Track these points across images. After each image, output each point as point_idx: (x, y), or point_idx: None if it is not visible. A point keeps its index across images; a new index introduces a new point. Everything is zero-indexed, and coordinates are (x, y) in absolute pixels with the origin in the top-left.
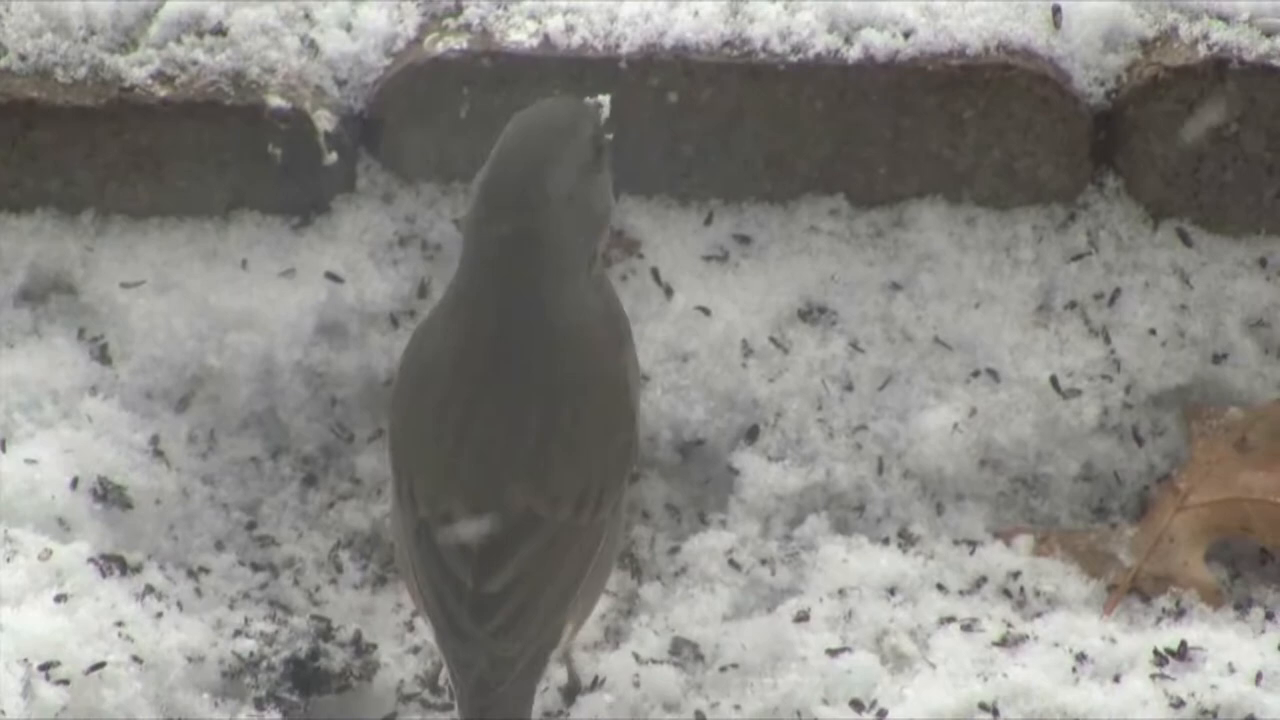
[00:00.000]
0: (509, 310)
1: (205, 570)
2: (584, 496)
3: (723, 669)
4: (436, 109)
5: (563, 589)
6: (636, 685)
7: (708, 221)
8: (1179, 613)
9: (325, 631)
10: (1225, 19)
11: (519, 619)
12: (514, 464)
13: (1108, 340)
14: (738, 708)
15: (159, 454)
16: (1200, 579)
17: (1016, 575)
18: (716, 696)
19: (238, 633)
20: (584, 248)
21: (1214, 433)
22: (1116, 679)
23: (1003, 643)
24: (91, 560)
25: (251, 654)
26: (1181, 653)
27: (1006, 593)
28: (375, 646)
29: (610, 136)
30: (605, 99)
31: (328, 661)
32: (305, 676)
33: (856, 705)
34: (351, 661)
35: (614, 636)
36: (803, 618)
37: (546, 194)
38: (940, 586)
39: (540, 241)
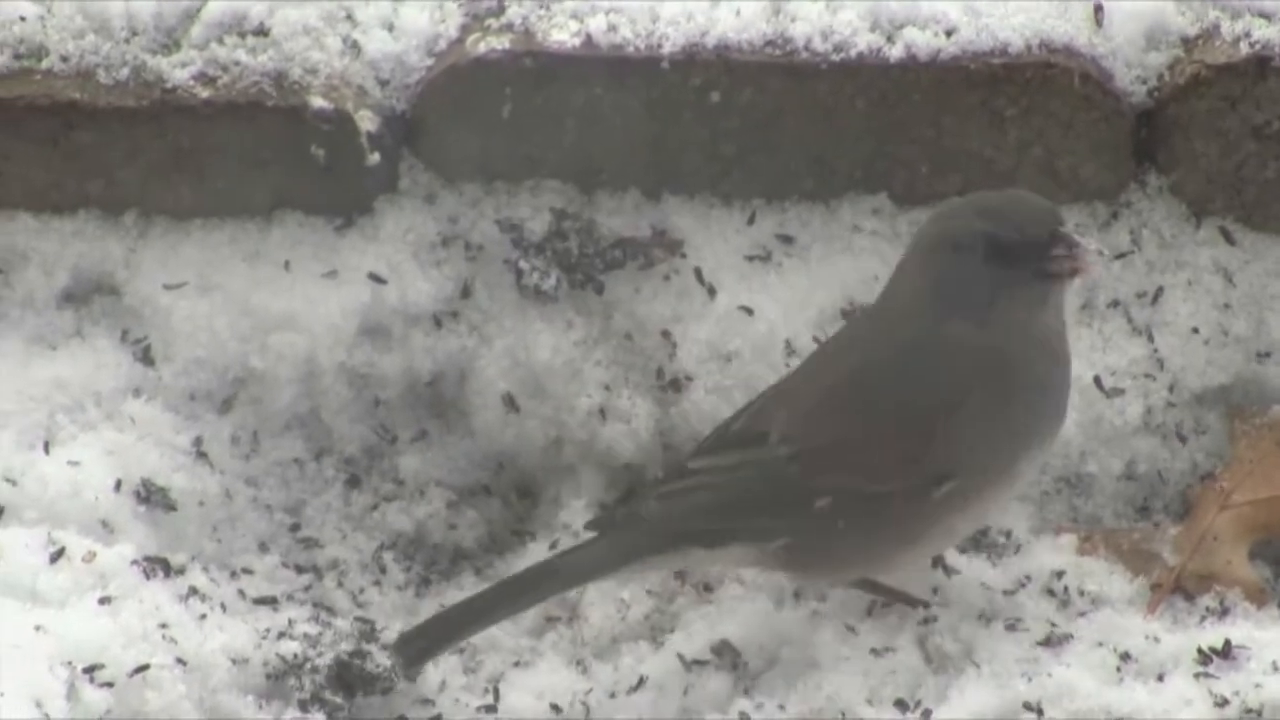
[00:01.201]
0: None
1: (249, 572)
2: (808, 451)
3: (767, 670)
4: (479, 109)
5: (731, 506)
6: (682, 685)
7: (750, 221)
8: (1223, 611)
9: (368, 633)
10: (1267, 16)
11: (681, 497)
12: (791, 393)
13: (1151, 339)
14: (782, 708)
15: (202, 455)
16: (1244, 578)
17: (1060, 574)
18: (761, 697)
19: (281, 634)
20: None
21: (1257, 431)
22: (1160, 678)
23: (1046, 642)
24: (135, 562)
25: (295, 656)
26: (1225, 651)
27: (1050, 592)
28: None
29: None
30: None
31: (371, 663)
32: (349, 678)
33: (901, 705)
34: (395, 662)
35: (658, 636)
36: (847, 617)
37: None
38: (984, 585)
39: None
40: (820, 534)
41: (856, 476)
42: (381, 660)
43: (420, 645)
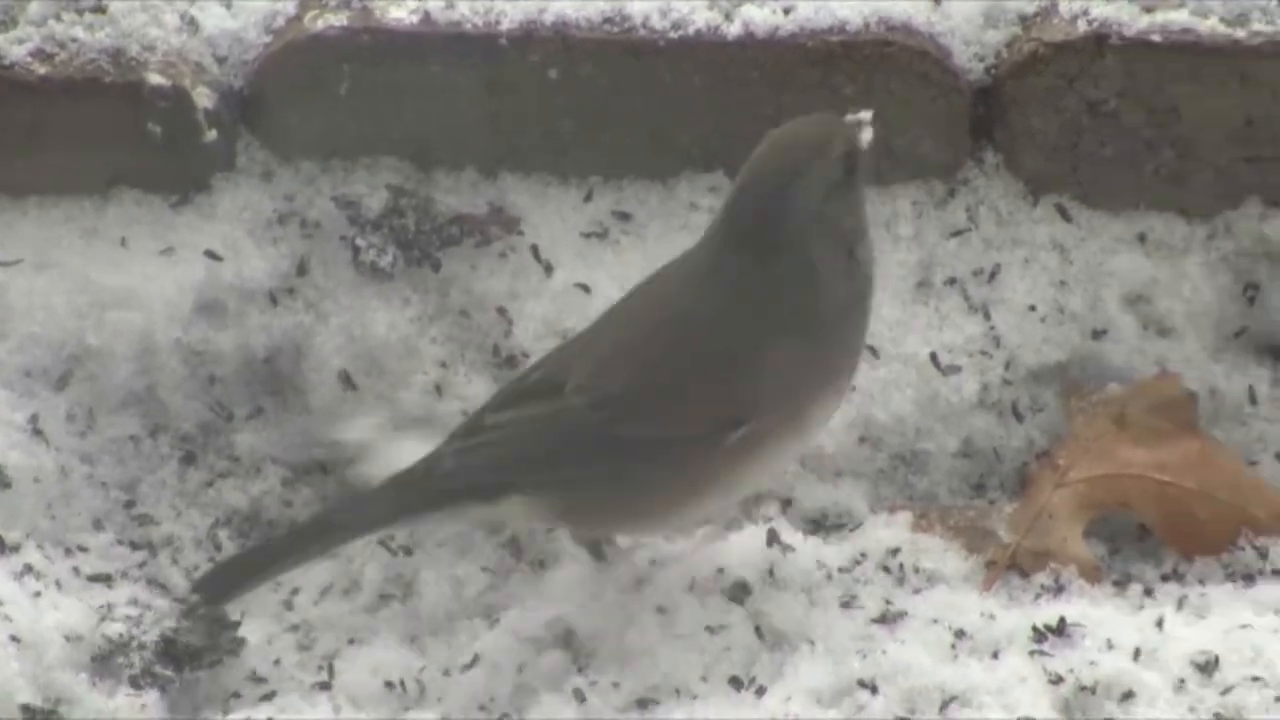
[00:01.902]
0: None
1: (84, 549)
2: (609, 400)
3: (601, 647)
4: (316, 86)
5: (525, 455)
6: (517, 663)
7: (587, 198)
8: (1058, 589)
9: (187, 610)
10: None
11: (476, 451)
12: (590, 344)
13: (987, 316)
14: (616, 685)
15: (38, 433)
16: (1079, 555)
17: (896, 552)
18: (595, 675)
19: (109, 613)
20: (834, 263)
21: (1093, 409)
22: (995, 655)
23: (882, 619)
24: None
25: (121, 635)
26: (1060, 629)
27: (886, 569)
28: (239, 623)
29: (866, 149)
30: (867, 115)
31: (193, 638)
32: (175, 653)
33: (735, 683)
34: (217, 637)
35: (493, 613)
36: (683, 595)
37: (788, 212)
38: (819, 563)
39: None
40: (608, 484)
41: (653, 424)
42: (200, 634)
43: (217, 587)
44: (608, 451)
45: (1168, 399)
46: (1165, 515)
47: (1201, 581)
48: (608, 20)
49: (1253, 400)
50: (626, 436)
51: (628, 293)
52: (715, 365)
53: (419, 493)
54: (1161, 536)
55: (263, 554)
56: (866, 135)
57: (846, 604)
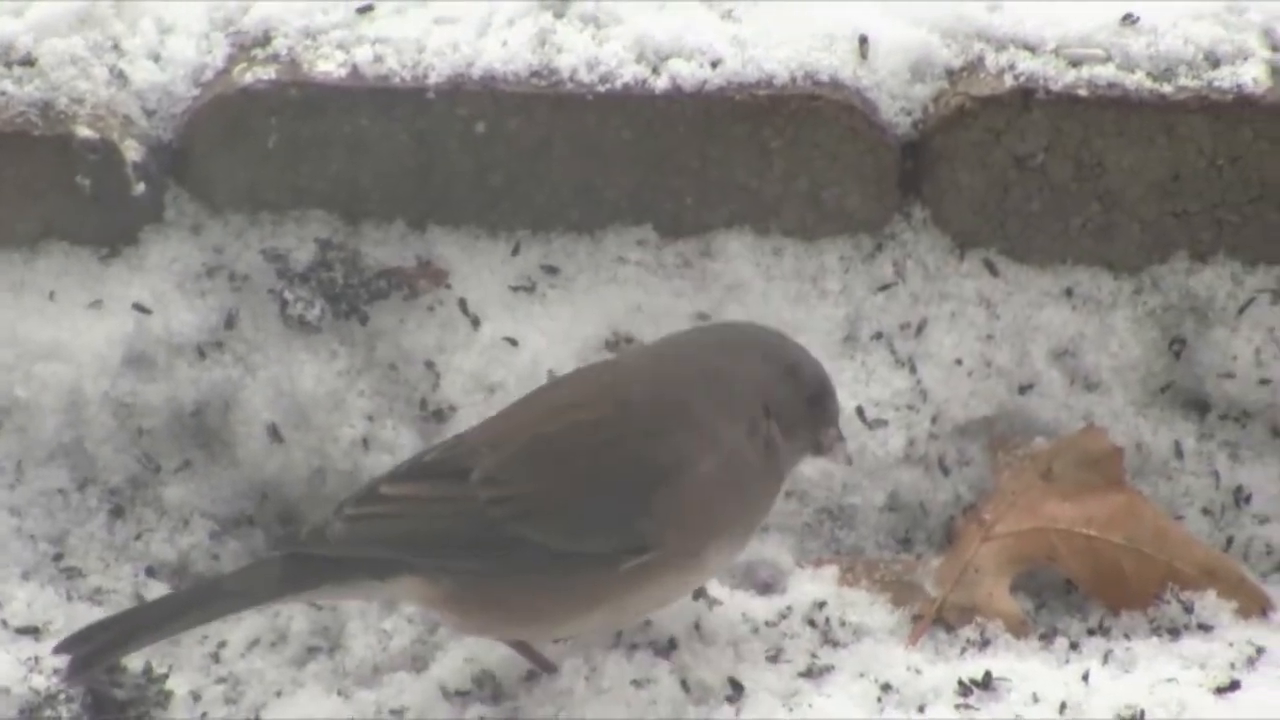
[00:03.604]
0: (657, 389)
1: (11, 601)
2: (513, 497)
3: (527, 699)
4: (244, 139)
5: (419, 537)
6: (444, 715)
7: (515, 251)
8: (984, 643)
9: (114, 664)
10: (1031, 49)
11: (368, 523)
12: (502, 433)
13: (914, 370)
14: None
15: None
16: (1005, 609)
17: (822, 605)
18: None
19: (36, 666)
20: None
21: (1019, 463)
22: (921, 709)
23: (808, 673)
24: None
25: (49, 688)
26: (986, 683)
27: (812, 623)
28: (166, 676)
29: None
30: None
31: (119, 691)
32: (103, 706)
33: None
34: (144, 690)
35: (420, 665)
36: (609, 649)
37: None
38: (746, 616)
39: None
40: (498, 583)
41: (554, 532)
42: (128, 688)
43: (85, 652)
44: (502, 549)
45: (1094, 453)
46: (1091, 569)
47: (1127, 635)
48: (535, 74)
49: (1179, 454)
50: (525, 538)
51: (556, 380)
52: (627, 483)
53: (307, 563)
54: (1087, 591)
55: (139, 618)
56: (839, 457)
57: (773, 658)
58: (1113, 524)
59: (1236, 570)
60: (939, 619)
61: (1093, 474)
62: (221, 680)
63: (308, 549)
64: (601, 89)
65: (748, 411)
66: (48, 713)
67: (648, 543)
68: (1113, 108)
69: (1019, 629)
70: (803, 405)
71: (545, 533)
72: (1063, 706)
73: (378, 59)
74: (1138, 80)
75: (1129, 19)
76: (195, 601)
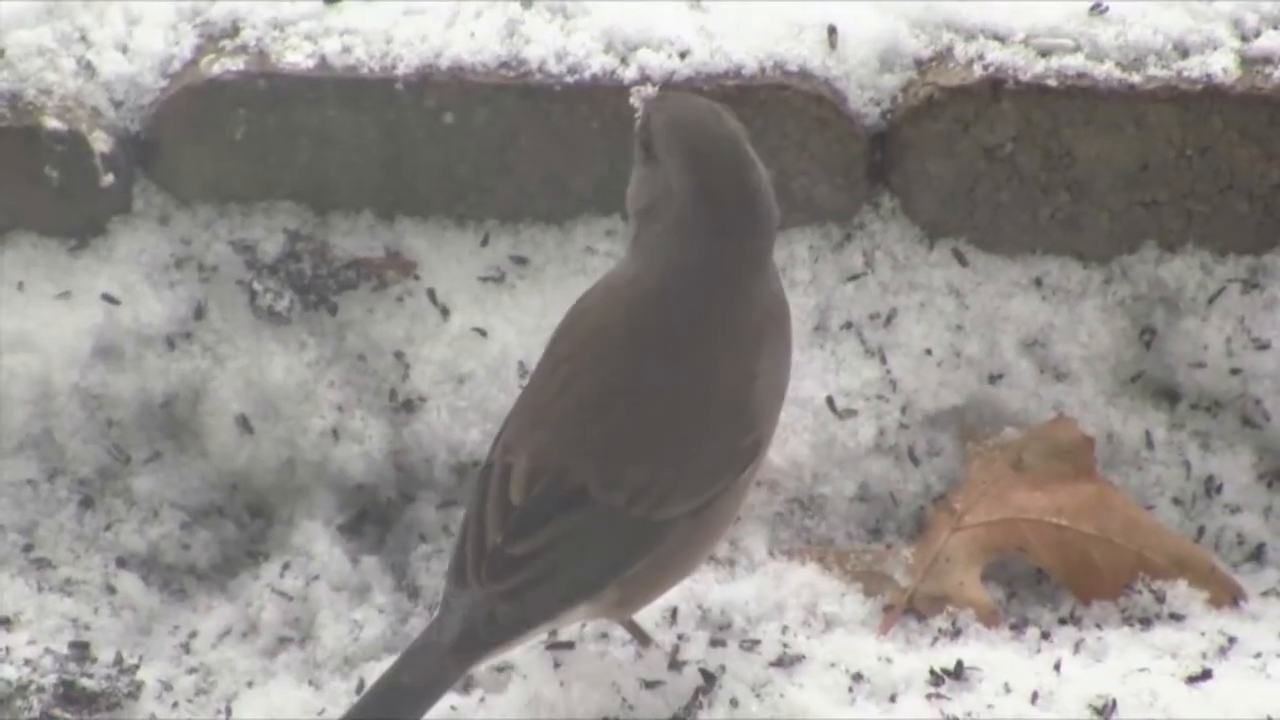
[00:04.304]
0: (694, 304)
1: None
2: (645, 489)
3: (501, 690)
4: (212, 130)
5: (590, 574)
6: None
7: (484, 242)
8: (955, 632)
9: (84, 654)
10: (1001, 39)
11: (532, 590)
12: (588, 436)
13: (884, 360)
14: None
15: None
16: (976, 599)
17: (794, 595)
18: (496, 716)
19: (7, 657)
20: (759, 289)
21: (989, 453)
22: (893, 699)
23: (779, 663)
24: None
25: (19, 678)
26: (958, 672)
27: (783, 612)
28: (137, 666)
29: None
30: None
31: (90, 682)
32: (74, 697)
33: None
34: (115, 681)
35: (392, 655)
36: (579, 639)
37: (772, 204)
38: (716, 606)
39: (767, 249)
40: (655, 568)
41: (687, 499)
42: (99, 678)
43: None
44: (650, 539)
45: (1065, 444)
46: (1061, 559)
47: (1099, 625)
48: (504, 64)
49: (1149, 444)
50: (670, 518)
51: (559, 354)
52: (726, 413)
53: (487, 644)
54: (1058, 580)
55: None
56: None
57: (744, 647)
58: (1083, 514)
59: (1207, 560)
60: (910, 608)
61: (1063, 464)
62: (193, 671)
63: (486, 637)
64: (570, 80)
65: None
66: (18, 703)
67: (759, 446)
68: (1082, 98)
69: (990, 618)
70: None
71: (683, 502)
72: (1034, 696)
73: (346, 50)
74: (1107, 70)
75: (1098, 8)
76: (392, 710)
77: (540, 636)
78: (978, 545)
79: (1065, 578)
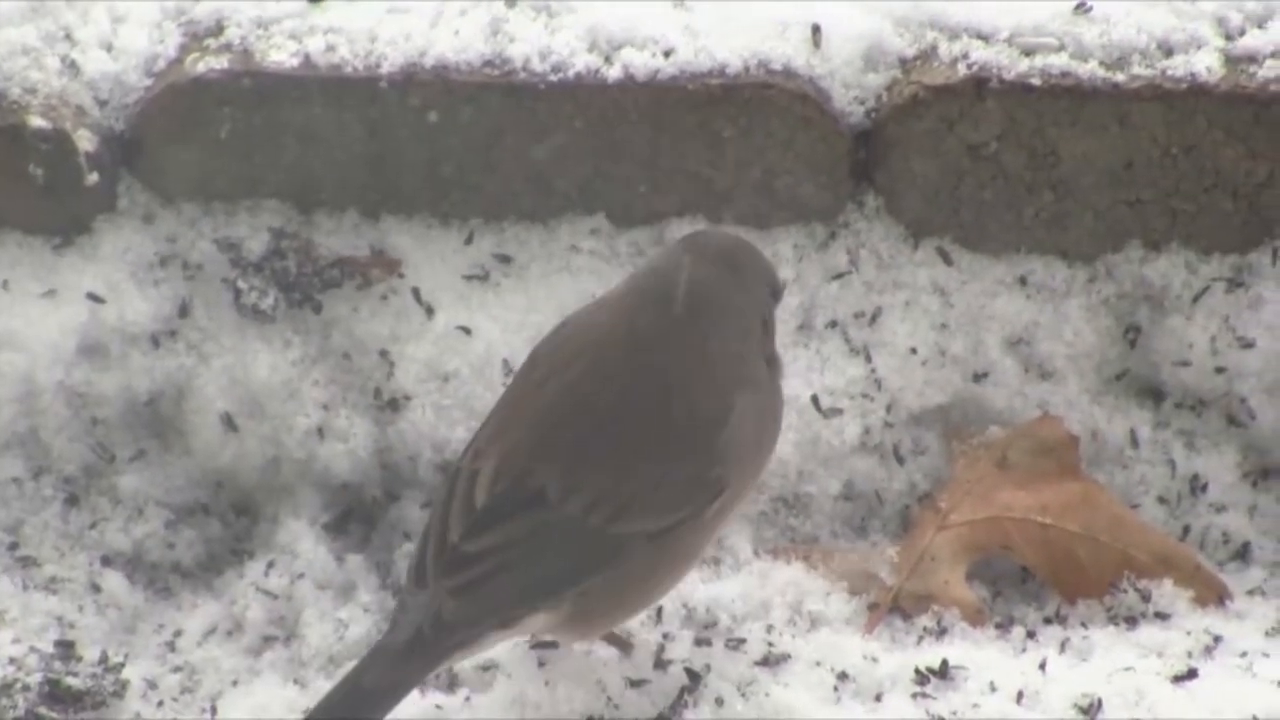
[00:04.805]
0: (674, 338)
1: None
2: (603, 499)
3: (486, 690)
4: (197, 128)
5: (542, 578)
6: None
7: (468, 241)
8: (940, 631)
9: (69, 653)
10: (985, 38)
11: (480, 588)
12: (554, 441)
13: (869, 359)
14: None
15: None
16: (961, 598)
17: (779, 594)
18: (480, 715)
19: None
20: (743, 357)
21: (974, 452)
22: (878, 698)
23: (765, 662)
24: None
25: (5, 677)
26: (943, 671)
27: (768, 611)
28: (122, 665)
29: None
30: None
31: (75, 680)
32: (59, 695)
33: None
34: (100, 679)
35: None
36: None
37: (721, 300)
38: (702, 605)
39: (706, 336)
40: (612, 586)
41: (651, 512)
42: (84, 677)
43: None
44: (612, 552)
45: (1050, 442)
46: (1046, 558)
47: (1084, 624)
48: (488, 63)
49: (1134, 443)
50: (627, 533)
51: (537, 368)
52: (693, 440)
53: (438, 647)
54: (1043, 579)
55: None
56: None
57: (730, 646)
58: (1068, 512)
59: (1193, 559)
60: (895, 607)
61: (1048, 462)
62: (178, 669)
63: (433, 638)
64: (554, 78)
65: (758, 334)
66: (3, 701)
67: (724, 484)
68: (1066, 97)
69: (975, 617)
70: (772, 316)
71: (642, 519)
72: (1020, 695)
73: (330, 49)
74: (1091, 69)
75: (1082, 7)
76: (351, 709)
77: (501, 643)
78: (963, 544)
79: (1050, 576)
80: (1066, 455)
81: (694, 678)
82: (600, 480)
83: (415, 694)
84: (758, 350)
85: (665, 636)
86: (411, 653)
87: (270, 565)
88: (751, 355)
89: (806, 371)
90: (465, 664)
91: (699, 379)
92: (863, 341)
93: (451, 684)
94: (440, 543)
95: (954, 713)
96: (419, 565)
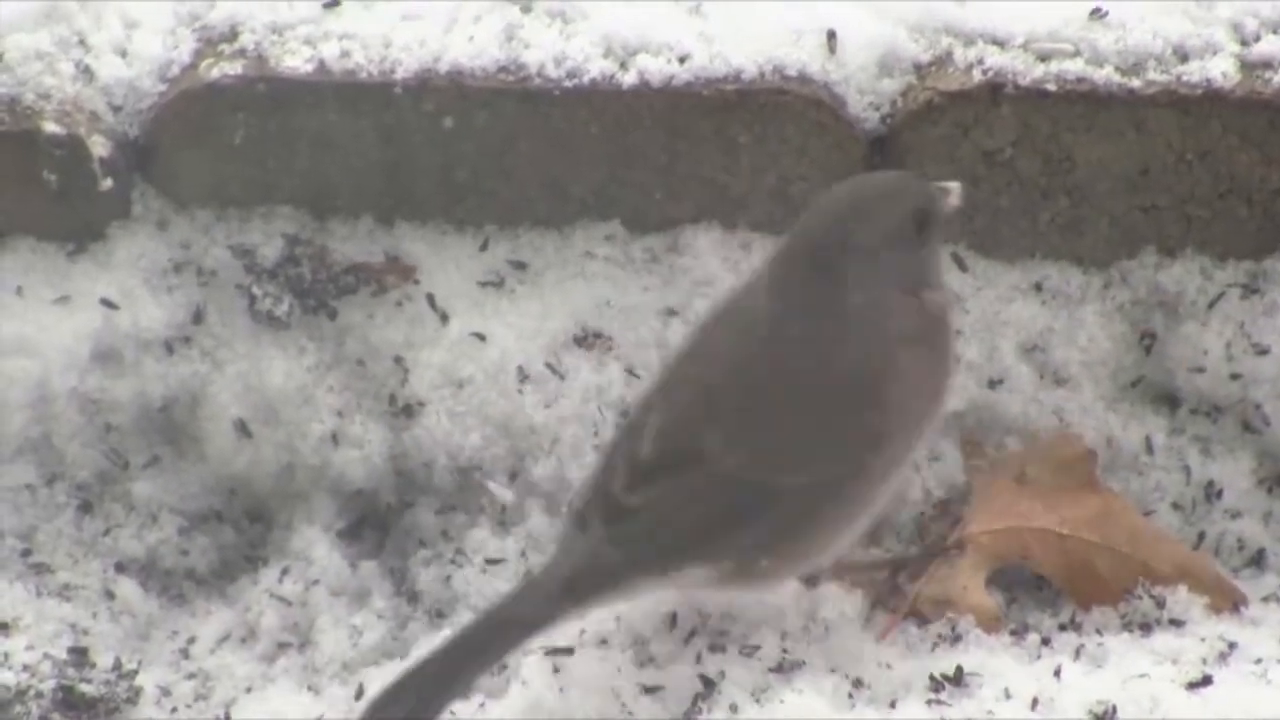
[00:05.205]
0: (829, 301)
1: None
2: (761, 454)
3: (502, 696)
4: (211, 134)
5: (700, 534)
6: None
7: (483, 247)
8: (955, 638)
9: (83, 660)
10: (1000, 43)
11: (640, 538)
12: (715, 401)
13: None
14: None
15: None
16: (978, 604)
17: (794, 600)
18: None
19: (6, 662)
20: (888, 302)
21: (991, 465)
22: (893, 705)
23: (779, 668)
24: None
25: (19, 683)
26: (958, 678)
27: (784, 617)
28: (136, 672)
29: (948, 215)
30: (955, 185)
31: (89, 687)
32: (73, 702)
33: None
34: (114, 686)
35: (391, 661)
36: (576, 642)
37: (845, 246)
38: (716, 611)
39: (843, 286)
40: (774, 538)
41: (808, 470)
42: (98, 684)
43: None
44: (769, 507)
45: (1068, 458)
46: (1065, 568)
47: (1099, 631)
48: (503, 69)
49: (1149, 449)
50: (785, 488)
51: (703, 331)
52: (852, 393)
53: (593, 585)
54: (1061, 588)
55: (437, 677)
56: (953, 200)
57: (745, 652)
58: (1087, 525)
59: (1211, 568)
60: (910, 614)
61: (1067, 477)
62: (191, 676)
63: (591, 578)
64: (569, 84)
65: (901, 270)
66: (17, 708)
67: (884, 436)
68: (1081, 102)
69: (991, 624)
70: (935, 237)
71: (799, 472)
72: (1034, 702)
73: (344, 54)
74: (1106, 75)
75: (1097, 13)
76: (491, 637)
77: (647, 592)
78: (982, 553)
79: (1068, 586)
80: (1084, 470)
81: (708, 684)
82: (756, 436)
83: None
84: (912, 289)
85: (680, 643)
86: (566, 591)
87: (284, 572)
88: (902, 298)
89: None
90: None
91: (844, 332)
92: None
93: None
94: (605, 490)
95: (968, 719)
96: (583, 508)
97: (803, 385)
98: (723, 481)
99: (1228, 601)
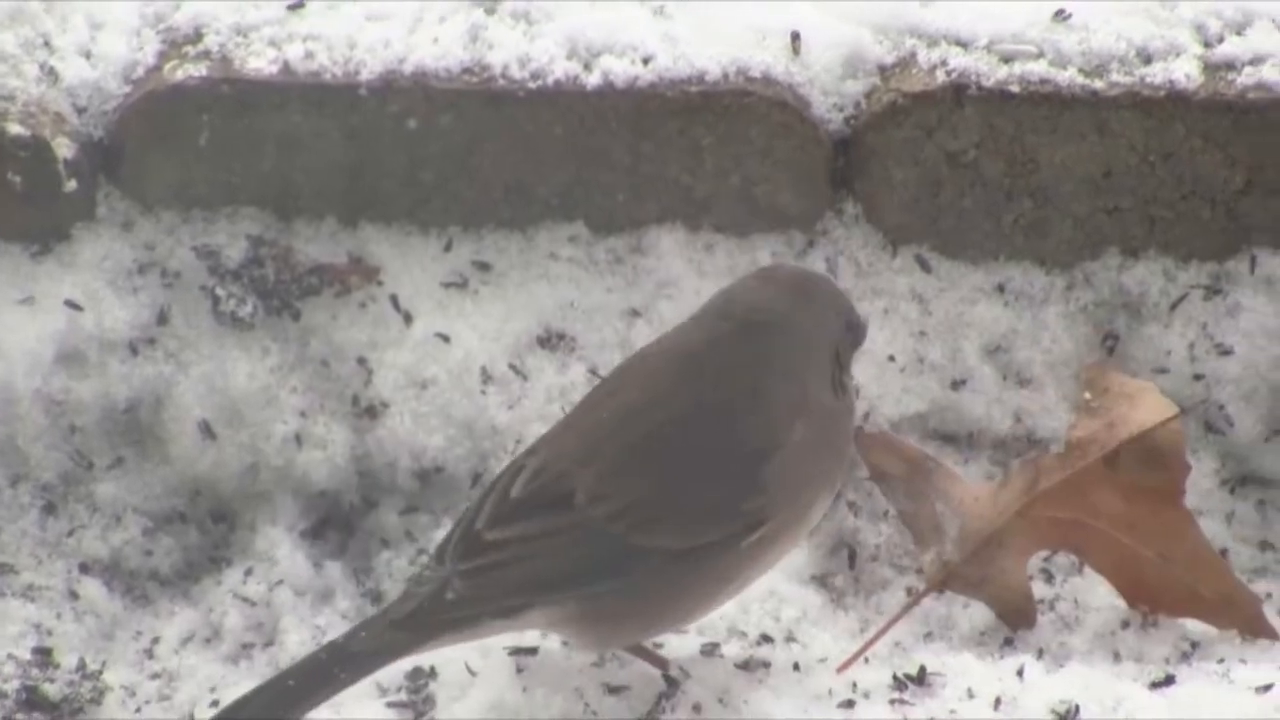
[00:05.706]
0: (733, 364)
1: None
2: (630, 508)
3: (462, 698)
4: (176, 136)
5: (550, 575)
6: (377, 711)
7: (447, 248)
8: (919, 637)
9: (47, 660)
10: (964, 45)
11: (488, 574)
12: (596, 448)
13: None
14: None
15: None
16: (1013, 590)
17: (761, 600)
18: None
19: None
20: (803, 389)
21: (1101, 407)
22: (856, 705)
23: (745, 666)
24: None
25: None
26: (921, 678)
27: (748, 616)
28: (100, 672)
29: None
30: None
31: (52, 688)
32: (37, 702)
33: None
34: (78, 687)
35: None
36: (541, 641)
37: (786, 326)
38: None
39: (766, 362)
40: (626, 595)
41: (674, 533)
42: (61, 684)
43: None
44: (627, 563)
45: (1164, 448)
46: (1115, 570)
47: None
48: (467, 70)
49: None
50: (647, 547)
51: (608, 381)
52: (738, 470)
53: (434, 622)
54: (1111, 584)
55: (288, 692)
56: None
57: (708, 652)
58: (1151, 537)
59: (1255, 607)
60: (944, 586)
61: (1154, 477)
62: (156, 676)
63: (432, 613)
64: (533, 85)
65: (825, 363)
66: None
67: (764, 516)
68: (1045, 104)
69: (1016, 616)
70: (850, 351)
71: (666, 535)
72: (997, 702)
73: (309, 56)
74: (1070, 77)
75: (1061, 15)
76: (326, 671)
77: (492, 634)
78: (1037, 534)
79: (1116, 584)
80: (1173, 476)
81: (672, 684)
82: (630, 490)
83: (395, 697)
84: (825, 381)
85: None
86: (406, 624)
87: (248, 572)
88: (816, 385)
89: None
90: (443, 668)
91: (751, 404)
92: None
93: (429, 693)
94: (467, 527)
95: (931, 719)
96: (443, 545)
97: (692, 449)
98: (585, 529)
99: (1263, 638)
